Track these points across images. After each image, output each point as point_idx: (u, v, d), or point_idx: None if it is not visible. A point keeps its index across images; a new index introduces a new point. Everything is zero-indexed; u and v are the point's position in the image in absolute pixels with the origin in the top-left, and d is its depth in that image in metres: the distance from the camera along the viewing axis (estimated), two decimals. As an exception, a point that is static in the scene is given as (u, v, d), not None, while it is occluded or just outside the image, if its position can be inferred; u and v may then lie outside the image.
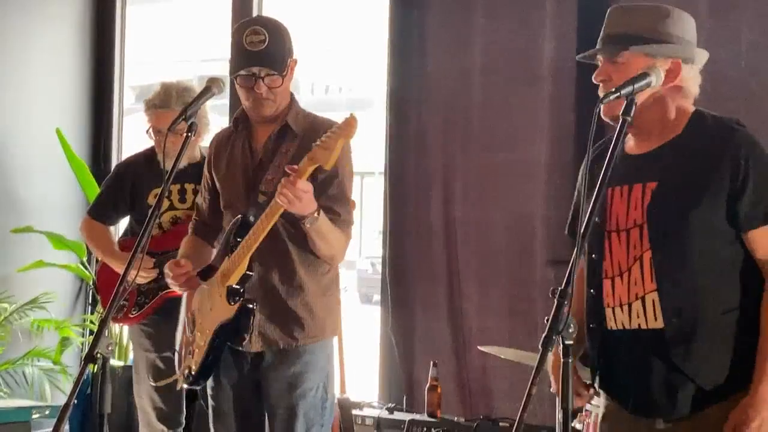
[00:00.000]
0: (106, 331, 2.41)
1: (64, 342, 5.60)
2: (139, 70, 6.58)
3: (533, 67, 4.51)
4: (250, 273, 2.99)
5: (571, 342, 2.02)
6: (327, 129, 2.92)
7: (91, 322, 5.78)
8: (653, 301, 2.33)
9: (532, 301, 4.44)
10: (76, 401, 2.33)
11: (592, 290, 2.44)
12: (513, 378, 4.39)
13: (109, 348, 2.39)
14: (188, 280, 3.11)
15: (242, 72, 3.04)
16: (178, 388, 3.29)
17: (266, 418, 3.13)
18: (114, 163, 5.97)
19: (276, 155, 3.07)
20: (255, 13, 5.50)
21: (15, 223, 5.53)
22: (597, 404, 2.80)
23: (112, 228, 4.32)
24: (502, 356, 3.84)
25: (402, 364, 4.82)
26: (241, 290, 2.98)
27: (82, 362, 2.39)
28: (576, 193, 2.66)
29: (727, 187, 2.29)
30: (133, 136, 5.58)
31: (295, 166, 2.82)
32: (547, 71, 4.47)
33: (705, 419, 2.33)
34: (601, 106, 2.24)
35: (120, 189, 4.11)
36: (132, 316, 4.02)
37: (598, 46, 2.44)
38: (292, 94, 3.17)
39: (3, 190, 5.64)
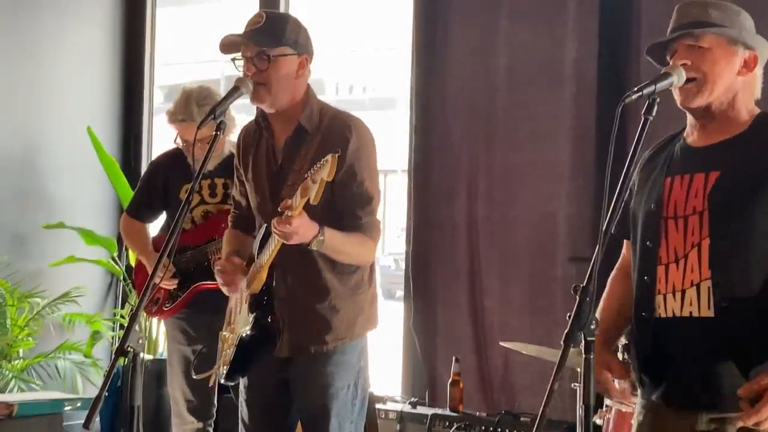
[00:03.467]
0: (137, 326, 2.44)
1: (95, 335, 5.67)
2: (169, 70, 6.67)
3: (556, 68, 4.55)
4: (273, 283, 2.95)
5: (593, 338, 2.02)
6: (343, 131, 2.91)
7: (122, 316, 5.86)
8: (708, 288, 2.29)
9: (553, 298, 4.47)
10: (107, 394, 2.37)
11: (646, 277, 2.40)
12: (534, 373, 4.42)
13: (140, 342, 2.41)
14: (233, 279, 3.04)
15: (238, 57, 2.92)
16: (211, 384, 3.31)
17: (293, 416, 3.12)
18: (144, 160, 6.06)
19: (296, 158, 2.96)
20: (282, 14, 5.55)
21: (47, 219, 5.61)
22: (618, 403, 2.70)
23: (149, 225, 4.36)
24: (524, 352, 3.86)
25: (424, 360, 4.85)
26: (262, 301, 2.96)
27: (113, 355, 2.42)
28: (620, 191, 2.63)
29: None
30: (162, 134, 5.66)
31: (290, 201, 2.69)
32: (570, 72, 4.51)
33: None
34: (623, 103, 2.18)
35: (153, 186, 4.18)
36: (166, 309, 4.10)
37: (676, 33, 2.37)
38: (309, 90, 3.02)
39: (36, 187, 5.73)
